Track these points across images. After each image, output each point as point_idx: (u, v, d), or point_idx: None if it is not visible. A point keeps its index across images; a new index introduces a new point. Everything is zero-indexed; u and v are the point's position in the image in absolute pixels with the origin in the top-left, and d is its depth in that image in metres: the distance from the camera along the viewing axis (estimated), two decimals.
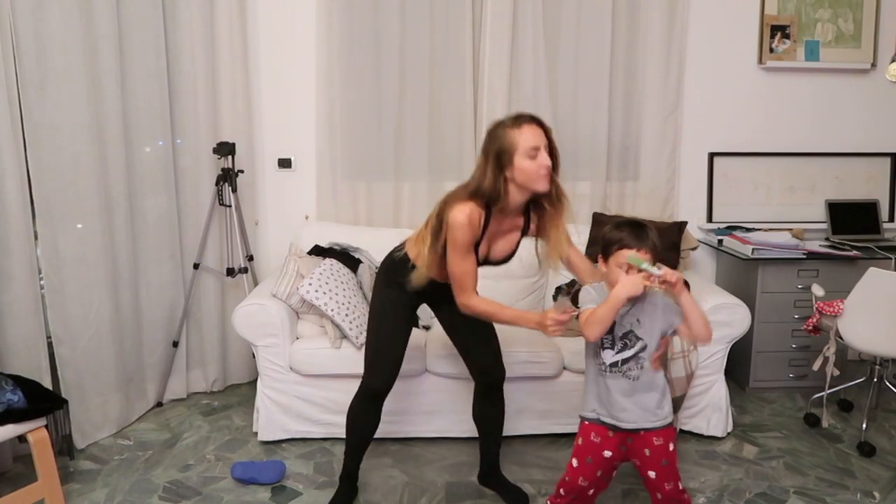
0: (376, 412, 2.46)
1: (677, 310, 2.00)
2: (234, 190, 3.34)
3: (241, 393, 3.55)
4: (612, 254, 1.96)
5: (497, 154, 2.10)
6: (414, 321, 2.52)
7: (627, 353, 2.00)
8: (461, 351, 2.53)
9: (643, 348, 2.00)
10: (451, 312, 2.36)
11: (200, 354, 3.52)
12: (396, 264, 2.36)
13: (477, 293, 2.25)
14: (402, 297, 2.37)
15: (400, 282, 2.32)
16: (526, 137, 2.09)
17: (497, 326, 2.43)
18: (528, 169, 2.10)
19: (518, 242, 2.33)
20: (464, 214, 2.11)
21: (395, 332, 2.41)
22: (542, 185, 2.13)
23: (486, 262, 2.29)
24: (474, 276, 2.22)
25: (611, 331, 2.00)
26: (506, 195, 2.14)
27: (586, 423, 2.09)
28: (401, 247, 2.40)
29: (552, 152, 2.15)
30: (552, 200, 2.24)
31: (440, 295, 2.35)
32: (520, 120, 2.12)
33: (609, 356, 2.01)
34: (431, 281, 2.30)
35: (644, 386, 2.00)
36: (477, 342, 2.48)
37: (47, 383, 2.71)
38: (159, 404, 3.37)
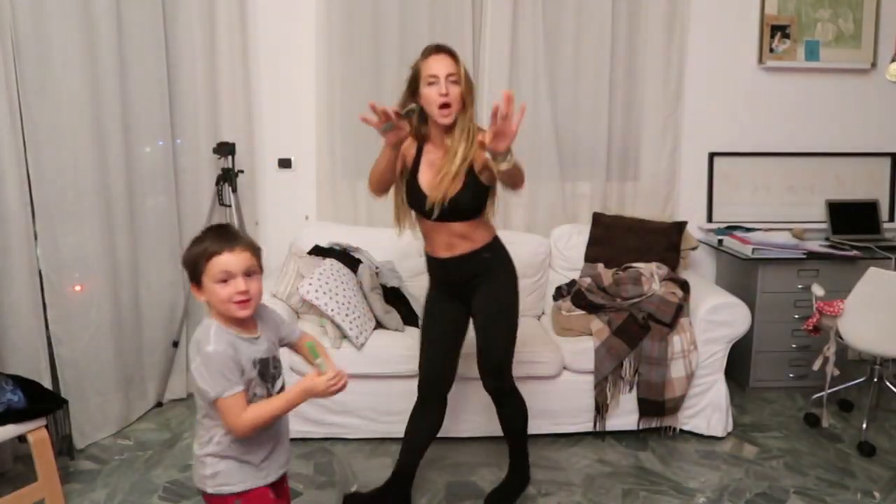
0: (423, 411, 2.48)
1: (287, 323, 1.83)
2: (234, 190, 3.34)
3: None
4: (204, 270, 1.58)
5: (410, 80, 2.25)
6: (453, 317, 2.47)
7: (280, 383, 1.73)
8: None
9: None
10: (474, 309, 2.40)
11: None
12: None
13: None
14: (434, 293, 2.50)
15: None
16: (429, 65, 2.18)
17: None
18: (428, 96, 2.19)
19: (466, 177, 2.22)
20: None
21: (428, 328, 2.48)
22: (440, 116, 2.19)
23: (446, 205, 2.22)
24: (403, 210, 2.36)
25: (267, 372, 1.68)
26: (430, 123, 2.25)
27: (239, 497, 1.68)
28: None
29: (468, 85, 2.21)
30: (455, 135, 2.22)
31: (465, 287, 2.39)
32: (428, 49, 2.22)
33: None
34: (446, 268, 2.37)
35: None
36: (480, 342, 2.43)
37: (47, 383, 2.71)
38: (159, 404, 3.37)
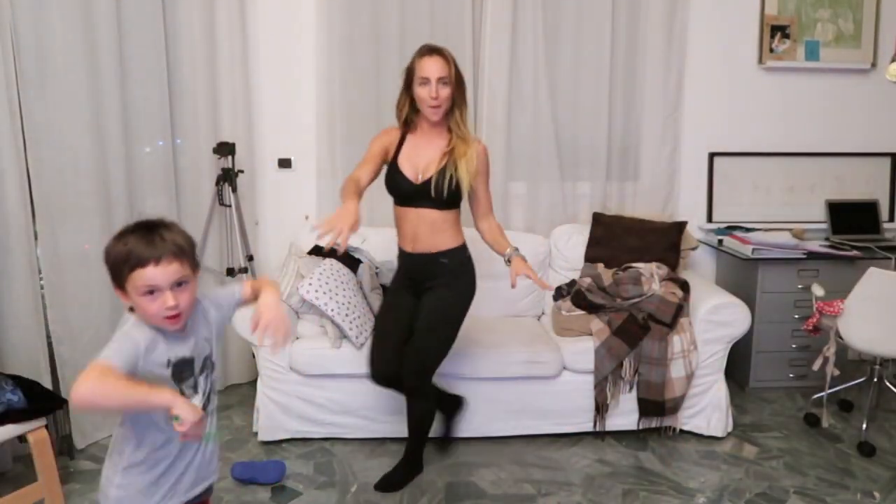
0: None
1: (224, 301, 1.67)
2: (234, 190, 3.34)
3: (241, 393, 3.55)
4: (127, 279, 1.40)
5: (406, 76, 2.44)
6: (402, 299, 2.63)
7: (209, 386, 1.58)
8: None
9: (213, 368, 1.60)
10: (422, 306, 2.54)
11: None
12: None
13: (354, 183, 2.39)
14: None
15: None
16: (422, 67, 2.37)
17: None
18: (419, 95, 2.39)
19: (446, 162, 2.44)
20: (381, 130, 2.56)
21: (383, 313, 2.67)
22: (430, 114, 2.42)
23: (424, 185, 2.43)
24: (362, 170, 2.44)
25: (190, 374, 1.52)
26: (419, 116, 2.47)
27: None
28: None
29: (459, 85, 2.42)
30: (455, 135, 2.46)
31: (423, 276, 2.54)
32: (423, 50, 2.40)
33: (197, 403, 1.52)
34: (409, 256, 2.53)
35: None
36: (415, 340, 2.51)
37: (47, 383, 2.71)
38: None
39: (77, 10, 2.75)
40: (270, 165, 3.71)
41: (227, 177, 3.34)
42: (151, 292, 1.40)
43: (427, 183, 2.42)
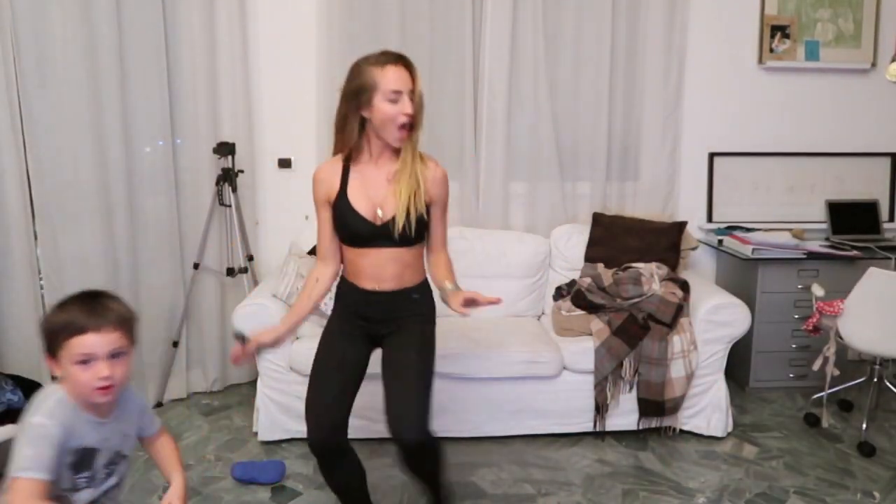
0: (332, 470, 2.11)
1: (149, 415, 1.64)
2: (234, 190, 3.34)
3: (241, 393, 3.55)
4: (62, 347, 1.38)
5: (356, 91, 1.93)
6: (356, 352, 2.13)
7: (113, 481, 1.53)
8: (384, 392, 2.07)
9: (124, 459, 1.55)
10: (389, 354, 2.11)
11: (200, 354, 3.52)
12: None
13: (321, 273, 2.10)
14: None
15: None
16: (389, 78, 1.90)
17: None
18: (386, 112, 1.91)
19: (409, 195, 2.00)
20: (314, 173, 2.06)
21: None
22: (395, 137, 1.95)
23: (385, 225, 1.99)
24: (324, 241, 2.08)
25: (88, 465, 1.46)
26: (364, 139, 1.98)
27: None
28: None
29: (421, 104, 1.97)
30: (409, 156, 2.01)
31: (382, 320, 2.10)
32: (385, 58, 1.93)
33: (86, 497, 1.48)
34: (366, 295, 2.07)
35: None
36: (395, 393, 2.02)
37: (47, 383, 2.71)
38: (159, 404, 3.37)
39: (77, 10, 2.76)
40: (270, 165, 3.71)
41: (227, 177, 3.34)
42: (86, 361, 1.37)
43: (390, 223, 1.98)
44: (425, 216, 2.01)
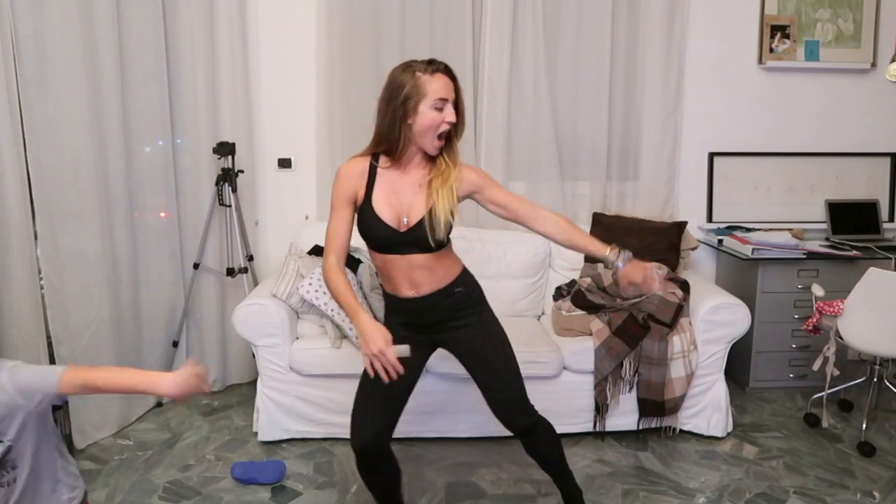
0: (372, 473, 2.16)
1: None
2: (234, 190, 3.34)
3: (241, 393, 3.55)
4: None
5: (404, 99, 1.91)
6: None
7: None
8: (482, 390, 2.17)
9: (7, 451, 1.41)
10: (464, 353, 2.15)
11: (200, 354, 3.52)
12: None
13: (340, 267, 2.03)
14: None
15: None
16: (437, 85, 1.91)
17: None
18: (432, 119, 1.92)
19: (434, 202, 1.99)
20: (340, 167, 2.02)
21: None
22: (433, 145, 1.96)
23: (410, 232, 1.98)
24: (339, 237, 2.01)
25: None
26: (405, 143, 1.96)
27: None
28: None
29: (458, 110, 1.97)
30: (442, 162, 2.01)
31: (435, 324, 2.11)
32: (434, 66, 1.94)
33: None
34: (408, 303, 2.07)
35: (29, 488, 1.45)
36: (490, 387, 2.15)
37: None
38: (159, 404, 3.37)
39: (77, 10, 2.76)
40: (270, 165, 3.71)
41: (227, 177, 3.34)
42: None
43: (415, 230, 1.97)
44: (452, 221, 2.00)
